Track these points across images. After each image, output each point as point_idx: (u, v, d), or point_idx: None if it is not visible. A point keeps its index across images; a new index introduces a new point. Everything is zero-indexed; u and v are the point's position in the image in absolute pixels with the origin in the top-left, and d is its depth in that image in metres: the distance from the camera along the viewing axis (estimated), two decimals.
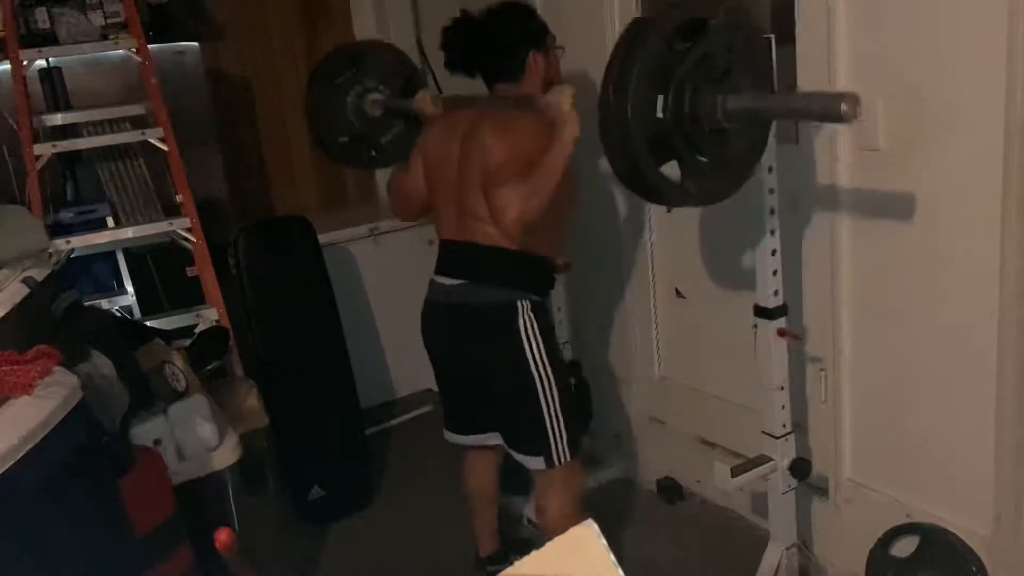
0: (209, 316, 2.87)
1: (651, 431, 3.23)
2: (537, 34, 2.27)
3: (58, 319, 2.04)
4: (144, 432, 2.12)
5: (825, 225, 2.38)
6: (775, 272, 2.19)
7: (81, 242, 2.76)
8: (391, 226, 3.90)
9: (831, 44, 2.23)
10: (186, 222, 2.85)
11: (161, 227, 2.87)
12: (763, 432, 2.32)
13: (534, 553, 0.77)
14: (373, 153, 2.88)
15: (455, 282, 2.29)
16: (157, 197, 3.01)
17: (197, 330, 2.79)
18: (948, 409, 2.22)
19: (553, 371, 2.25)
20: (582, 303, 3.30)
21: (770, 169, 2.11)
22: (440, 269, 2.35)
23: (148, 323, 2.83)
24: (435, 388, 3.96)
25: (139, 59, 2.91)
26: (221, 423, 2.31)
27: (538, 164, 2.05)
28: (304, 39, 4.19)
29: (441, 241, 2.37)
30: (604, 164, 1.80)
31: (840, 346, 2.43)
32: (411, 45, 3.81)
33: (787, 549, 2.38)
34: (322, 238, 3.36)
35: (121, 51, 2.94)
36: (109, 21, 2.91)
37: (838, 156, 2.30)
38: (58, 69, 3.04)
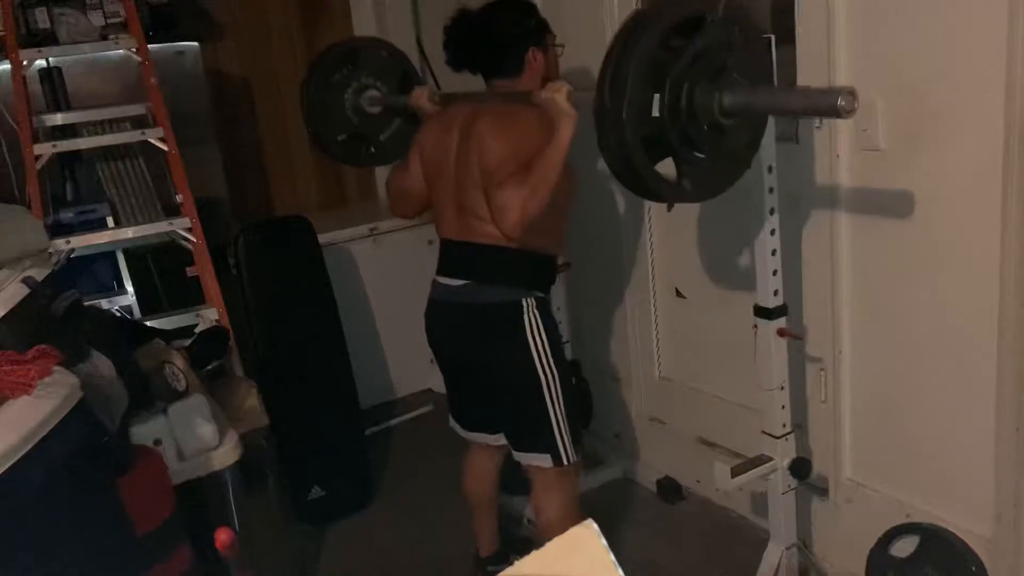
0: (209, 316, 2.86)
1: (651, 431, 3.23)
2: (537, 31, 2.27)
3: (58, 319, 2.04)
4: (144, 432, 2.12)
5: (825, 225, 2.38)
6: (775, 272, 2.19)
7: (81, 242, 2.76)
8: (391, 226, 3.90)
9: (831, 44, 2.23)
10: (186, 222, 2.85)
11: (161, 227, 2.86)
12: (763, 432, 2.32)
13: (534, 553, 0.77)
14: (372, 150, 2.88)
15: (459, 282, 2.29)
16: (157, 197, 3.00)
17: (197, 330, 2.79)
18: (948, 409, 2.22)
19: (557, 369, 2.25)
20: (582, 303, 3.30)
21: (770, 169, 2.11)
22: (442, 269, 2.35)
23: (148, 323, 2.82)
24: (435, 388, 4.01)
25: (139, 59, 2.90)
26: (221, 423, 2.31)
27: (536, 162, 2.04)
28: (304, 39, 4.20)
29: (442, 240, 2.36)
30: (603, 163, 1.80)
31: (840, 346, 2.43)
32: (411, 44, 3.82)
33: (787, 549, 2.38)
34: (322, 238, 3.36)
35: (121, 51, 2.94)
36: (109, 21, 2.91)
37: (838, 155, 2.30)
38: (58, 69, 3.03)
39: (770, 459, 2.30)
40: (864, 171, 2.27)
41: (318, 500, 3.17)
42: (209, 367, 2.65)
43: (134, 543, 1.74)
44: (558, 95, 2.01)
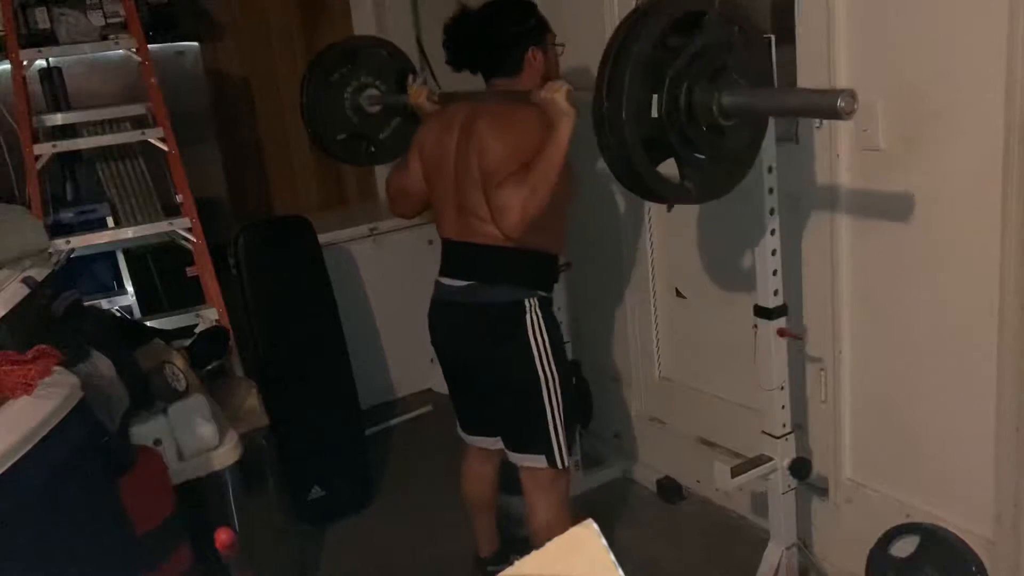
0: (209, 316, 2.87)
1: (651, 431, 3.23)
2: (536, 30, 2.26)
3: (58, 319, 2.04)
4: (144, 432, 2.12)
5: (825, 225, 2.38)
6: (775, 272, 2.19)
7: (81, 242, 2.76)
8: (391, 226, 3.90)
9: (831, 44, 2.23)
10: (186, 222, 2.85)
11: (161, 227, 2.86)
12: (763, 432, 2.32)
13: (534, 553, 0.77)
14: (371, 149, 2.88)
15: (461, 283, 2.28)
16: (157, 197, 3.00)
17: (197, 330, 2.79)
18: (948, 409, 2.22)
19: (558, 370, 2.25)
20: (582, 303, 3.30)
21: (770, 169, 2.11)
22: (445, 271, 2.34)
23: (148, 323, 2.82)
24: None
25: (139, 59, 2.90)
26: (221, 423, 2.31)
27: (536, 162, 2.04)
28: (304, 39, 4.20)
29: (443, 241, 2.36)
30: (603, 163, 1.80)
31: (840, 346, 2.43)
32: (411, 44, 3.82)
33: (787, 549, 2.38)
34: (322, 238, 3.36)
35: (121, 51, 2.94)
36: (109, 21, 2.91)
37: (838, 155, 2.30)
38: (58, 69, 3.04)
39: (770, 459, 2.30)
40: (864, 171, 2.27)
41: (318, 500, 3.17)
42: (209, 367, 2.65)
43: (134, 543, 1.74)
44: (557, 95, 2.01)
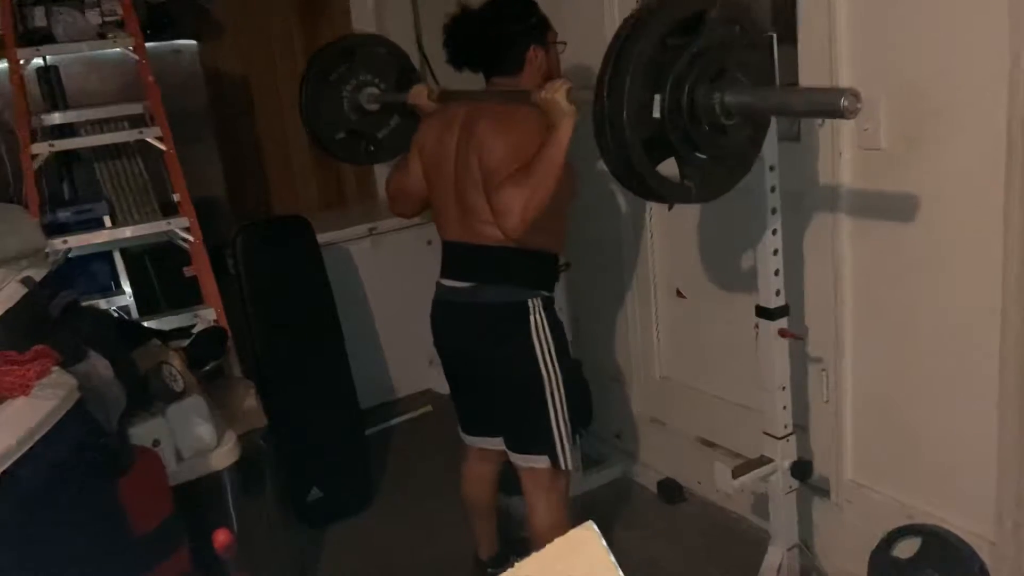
0: (207, 316, 2.86)
1: (651, 431, 3.23)
2: (537, 29, 2.25)
3: (55, 319, 2.03)
4: (142, 433, 2.12)
5: (827, 224, 2.37)
6: (777, 272, 2.18)
7: (78, 242, 2.75)
8: (390, 226, 3.89)
9: (833, 43, 2.22)
10: (184, 221, 2.84)
11: (159, 227, 2.85)
12: (764, 433, 2.31)
13: (534, 554, 0.77)
14: (370, 148, 2.88)
15: (464, 284, 2.28)
16: (155, 196, 3.00)
17: (195, 330, 2.78)
18: (950, 410, 2.22)
19: (561, 370, 2.25)
20: (582, 303, 3.29)
21: (771, 168, 2.11)
22: (446, 272, 2.34)
23: (146, 323, 2.81)
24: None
25: (136, 58, 2.90)
26: (219, 424, 2.31)
27: (536, 162, 2.03)
28: (303, 37, 4.18)
29: (444, 242, 2.35)
30: (603, 163, 1.79)
31: (842, 346, 2.42)
32: (411, 43, 3.81)
33: (788, 550, 2.38)
34: (321, 238, 3.35)
35: (118, 50, 2.93)
36: (106, 19, 2.90)
37: (840, 155, 2.29)
38: (55, 68, 3.02)
39: (771, 460, 2.29)
40: (866, 170, 2.27)
41: (317, 501, 3.17)
42: (207, 367, 2.64)
43: (133, 544, 1.74)
44: (558, 94, 1.99)
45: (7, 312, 1.83)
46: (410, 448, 3.69)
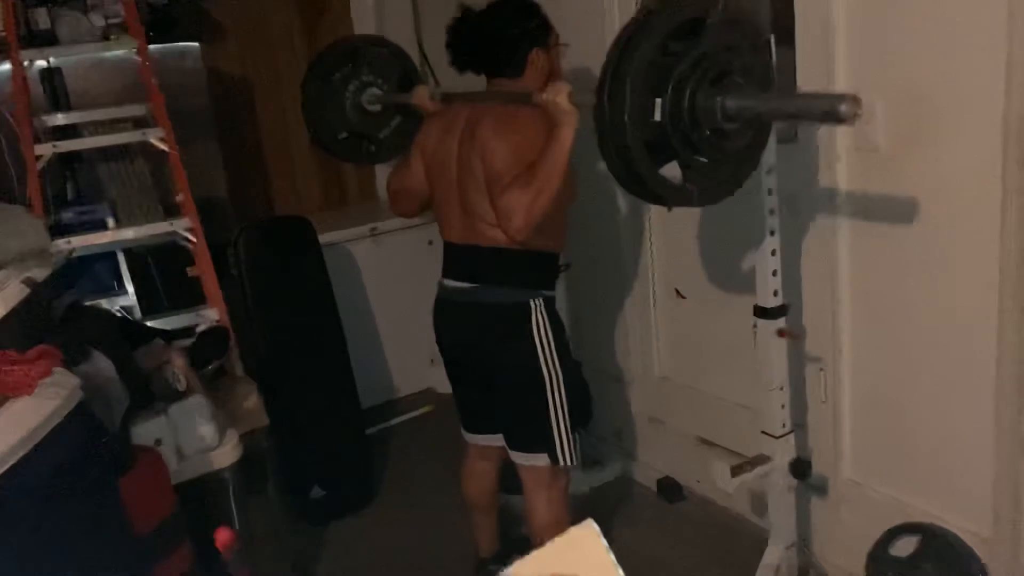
0: (209, 316, 2.87)
1: (651, 431, 3.24)
2: (539, 31, 2.25)
3: (59, 319, 2.04)
4: (145, 432, 2.13)
5: (825, 225, 2.38)
6: (775, 272, 2.19)
7: (82, 242, 2.76)
8: (391, 226, 3.89)
9: (831, 45, 2.23)
10: (186, 222, 2.85)
11: (161, 227, 2.86)
12: (763, 432, 2.32)
13: (534, 553, 0.77)
14: (372, 148, 2.88)
15: (466, 285, 2.29)
16: (158, 197, 3.00)
17: (198, 330, 2.79)
18: (947, 409, 2.22)
19: (562, 369, 2.26)
20: (582, 303, 3.30)
21: (770, 169, 2.11)
22: (448, 273, 2.35)
23: (149, 323, 2.82)
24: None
25: (139, 59, 2.91)
26: (221, 423, 2.32)
27: (538, 165, 2.04)
28: (304, 39, 4.19)
29: (446, 243, 2.36)
30: (603, 164, 1.80)
31: (840, 346, 2.43)
32: (411, 45, 3.82)
33: (787, 548, 2.39)
34: (322, 238, 3.36)
35: (122, 51, 2.94)
36: (110, 21, 2.91)
37: (838, 156, 2.30)
38: (59, 69, 3.03)
39: (770, 459, 2.30)
40: (864, 171, 2.27)
41: (318, 500, 3.17)
42: (209, 367, 2.65)
43: (135, 543, 1.75)
44: (559, 96, 2.00)
45: (10, 312, 1.85)
46: (411, 447, 3.70)
